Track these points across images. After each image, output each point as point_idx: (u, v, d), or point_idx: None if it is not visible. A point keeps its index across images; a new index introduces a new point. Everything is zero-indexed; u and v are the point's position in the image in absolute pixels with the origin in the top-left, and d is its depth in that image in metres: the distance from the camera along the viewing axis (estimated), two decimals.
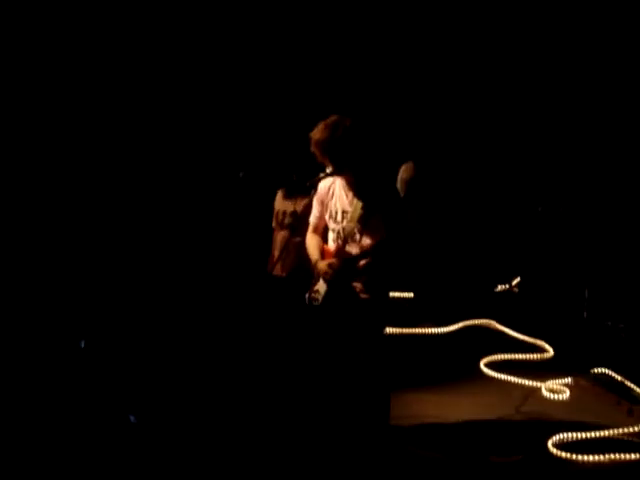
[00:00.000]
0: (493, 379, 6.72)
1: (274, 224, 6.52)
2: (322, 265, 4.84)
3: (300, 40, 9.06)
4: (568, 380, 6.60)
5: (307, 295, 4.91)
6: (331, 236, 4.93)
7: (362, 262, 4.77)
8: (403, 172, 8.26)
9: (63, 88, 8.53)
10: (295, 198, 6.33)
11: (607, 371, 6.72)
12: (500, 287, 9.35)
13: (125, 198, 8.65)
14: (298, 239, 5.87)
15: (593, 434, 5.52)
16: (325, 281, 4.83)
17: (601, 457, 5.22)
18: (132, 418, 5.37)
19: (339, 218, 4.87)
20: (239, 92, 9.03)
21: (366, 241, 4.79)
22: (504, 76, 9.27)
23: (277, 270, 6.17)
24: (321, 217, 5.03)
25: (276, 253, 6.34)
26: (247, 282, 7.40)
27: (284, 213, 6.31)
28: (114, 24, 8.62)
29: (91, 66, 8.60)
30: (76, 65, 8.55)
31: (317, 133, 4.81)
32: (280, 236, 6.32)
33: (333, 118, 4.84)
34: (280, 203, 6.43)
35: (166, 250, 8.51)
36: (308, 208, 5.47)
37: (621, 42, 8.32)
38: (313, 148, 4.84)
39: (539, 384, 6.51)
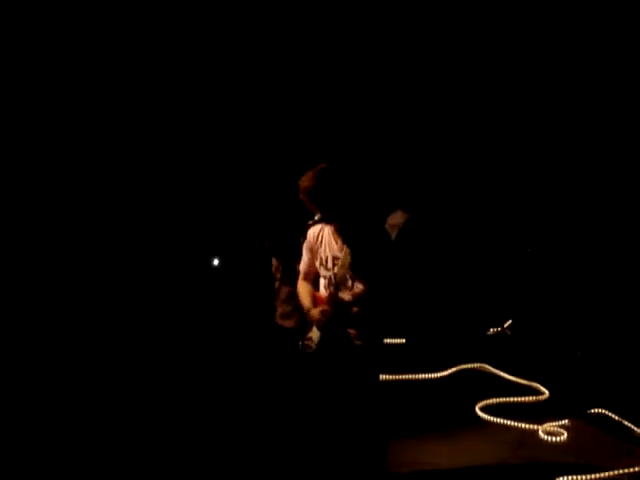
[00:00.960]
0: (489, 423, 6.65)
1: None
2: (315, 312, 4.82)
3: (284, 85, 9.13)
4: (565, 422, 6.54)
5: (301, 343, 4.88)
6: (322, 283, 4.92)
7: (355, 308, 4.76)
8: (392, 219, 8.27)
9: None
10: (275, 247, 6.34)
11: (604, 411, 6.68)
12: (492, 330, 9.33)
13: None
14: (288, 288, 5.89)
15: (593, 476, 5.47)
16: (318, 328, 4.80)
17: None
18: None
19: (330, 265, 4.86)
20: (229, 140, 9.07)
21: (358, 287, 4.77)
22: (487, 120, 9.35)
23: (277, 319, 6.19)
24: (311, 264, 5.02)
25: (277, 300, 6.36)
26: (250, 331, 7.40)
27: (276, 267, 6.32)
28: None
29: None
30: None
31: (305, 181, 4.83)
32: (276, 286, 6.34)
33: (321, 166, 4.88)
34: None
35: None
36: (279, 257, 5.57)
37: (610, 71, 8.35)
38: (302, 196, 4.87)
39: (536, 426, 6.45)
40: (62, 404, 6.40)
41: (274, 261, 6.40)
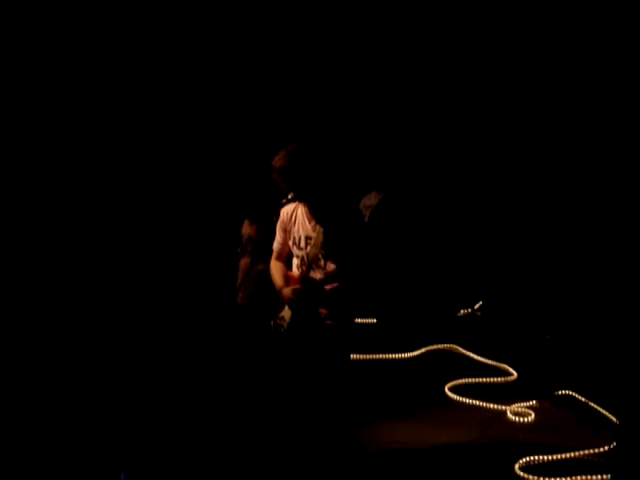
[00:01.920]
0: (458, 403, 6.71)
1: (239, 250, 6.44)
2: (287, 291, 4.82)
3: (262, 65, 9.06)
4: (533, 402, 6.62)
5: (272, 322, 4.88)
6: (295, 262, 4.92)
7: (327, 287, 4.76)
8: (366, 200, 8.28)
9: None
10: (257, 224, 6.25)
11: (571, 393, 6.76)
12: (462, 311, 9.39)
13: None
14: (260, 267, 5.87)
15: (559, 456, 5.54)
16: (290, 307, 4.81)
17: (568, 479, 5.23)
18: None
19: (302, 244, 4.86)
20: (206, 118, 9.00)
21: (330, 266, 4.78)
22: (470, 102, 9.36)
23: (239, 298, 6.13)
24: (284, 243, 5.01)
25: (239, 279, 6.28)
26: (213, 310, 7.35)
27: (248, 238, 6.25)
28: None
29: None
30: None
31: (278, 161, 4.81)
32: (243, 263, 6.25)
33: (294, 145, 4.85)
34: (245, 228, 6.36)
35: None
36: (261, 233, 5.52)
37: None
38: (275, 175, 4.85)
39: (504, 407, 6.51)
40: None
41: (246, 233, 6.31)
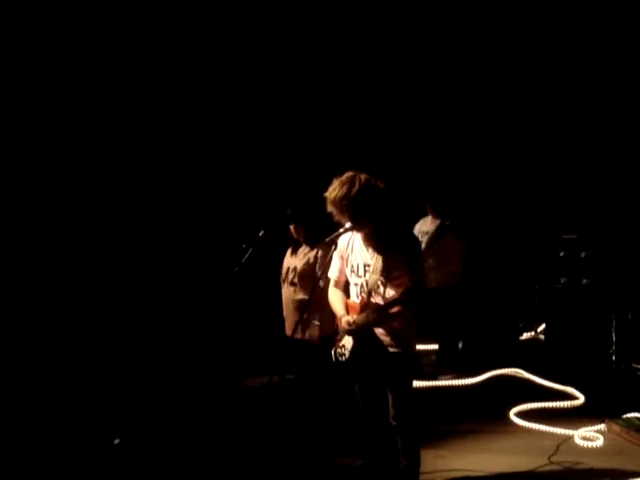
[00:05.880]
0: (524, 429, 6.61)
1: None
2: (347, 320, 4.82)
3: (311, 98, 9.15)
4: (601, 426, 6.48)
5: (334, 351, 4.88)
6: (354, 290, 4.91)
7: (394, 309, 4.74)
8: (422, 225, 8.26)
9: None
10: (297, 254, 6.26)
11: None
12: (525, 335, 9.27)
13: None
14: (300, 296, 5.89)
15: None
16: (351, 335, 4.80)
17: None
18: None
19: (361, 272, 4.85)
20: (256, 154, 9.10)
21: (390, 293, 4.77)
22: (512, 125, 9.35)
23: (288, 329, 6.08)
24: (342, 272, 5.03)
25: (284, 310, 6.24)
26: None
27: (287, 269, 6.25)
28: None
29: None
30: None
31: (333, 191, 4.76)
32: (286, 293, 6.22)
33: (347, 174, 4.82)
34: (287, 260, 6.36)
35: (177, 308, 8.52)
36: (309, 265, 5.55)
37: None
38: (330, 207, 4.79)
39: (571, 432, 6.40)
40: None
41: (287, 264, 6.28)
